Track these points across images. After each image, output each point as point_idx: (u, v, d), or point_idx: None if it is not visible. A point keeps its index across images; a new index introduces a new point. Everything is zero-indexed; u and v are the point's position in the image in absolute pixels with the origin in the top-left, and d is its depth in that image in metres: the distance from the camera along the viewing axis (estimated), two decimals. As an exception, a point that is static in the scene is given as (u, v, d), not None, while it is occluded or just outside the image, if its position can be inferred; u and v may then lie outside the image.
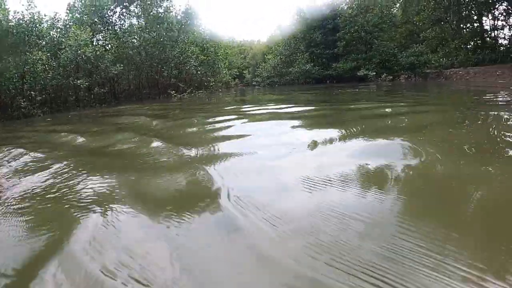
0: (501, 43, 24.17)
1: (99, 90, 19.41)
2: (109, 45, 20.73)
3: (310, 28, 27.24)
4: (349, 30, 24.87)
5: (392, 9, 27.13)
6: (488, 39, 24.89)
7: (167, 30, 21.21)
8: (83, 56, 17.77)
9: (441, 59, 23.61)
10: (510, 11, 23.99)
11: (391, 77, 22.08)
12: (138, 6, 22.51)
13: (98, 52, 18.95)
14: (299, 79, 26.43)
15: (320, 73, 25.67)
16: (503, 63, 22.18)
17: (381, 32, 25.39)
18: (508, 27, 24.28)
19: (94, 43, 19.95)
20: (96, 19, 20.87)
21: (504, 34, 24.88)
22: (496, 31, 25.20)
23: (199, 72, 21.38)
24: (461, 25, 24.61)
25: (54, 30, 19.06)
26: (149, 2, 22.18)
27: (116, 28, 21.71)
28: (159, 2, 22.66)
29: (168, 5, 23.13)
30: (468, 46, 23.81)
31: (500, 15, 24.57)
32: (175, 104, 14.54)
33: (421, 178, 2.44)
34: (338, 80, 24.33)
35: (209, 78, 22.96)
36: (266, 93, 19.97)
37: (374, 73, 22.64)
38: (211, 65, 25.39)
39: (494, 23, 25.16)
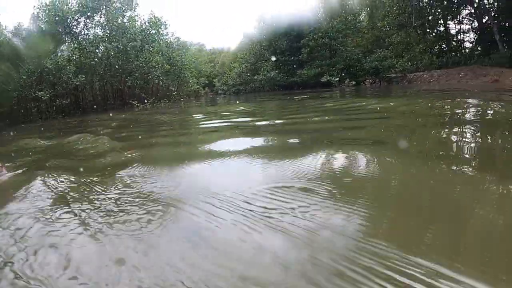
0: (466, 46, 24.43)
1: (61, 101, 19.48)
2: (73, 56, 20.53)
3: (275, 35, 27.24)
4: (313, 36, 24.83)
5: (359, 16, 27.47)
6: (453, 42, 25.12)
7: (130, 40, 21.03)
8: (44, 67, 17.90)
9: (406, 63, 23.82)
10: (474, 15, 24.27)
11: (354, 82, 22.17)
12: (102, 16, 22.16)
13: (59, 63, 19.10)
14: (264, 87, 26.34)
15: (285, 80, 25.56)
16: (466, 65, 22.35)
17: (345, 38, 25.48)
18: (474, 31, 24.56)
19: (58, 54, 20.07)
20: (60, 29, 20.77)
21: (470, 38, 25.18)
22: (461, 35, 25.49)
23: (161, 82, 21.40)
24: (427, 30, 24.90)
25: (16, 40, 19.19)
26: (115, 12, 21.91)
27: (80, 39, 21.61)
28: (122, 12, 22.43)
29: (132, 15, 23.13)
30: (433, 50, 23.98)
31: (463, 19, 24.89)
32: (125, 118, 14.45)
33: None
34: (304, 86, 24.08)
35: (171, 88, 22.94)
36: (229, 102, 20.00)
37: (337, 79, 22.57)
38: (177, 74, 25.40)
39: (460, 27, 25.47)
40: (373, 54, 23.63)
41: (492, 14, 23.09)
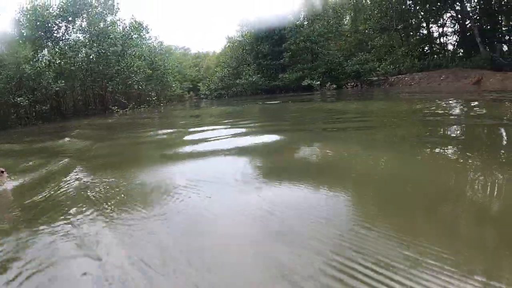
0: (448, 49, 24.44)
1: (40, 107, 19.40)
2: (53, 61, 20.22)
3: (257, 39, 27.13)
4: (294, 40, 24.75)
5: (342, 19, 27.46)
6: (436, 45, 25.15)
7: (111, 44, 20.72)
8: (23, 73, 17.82)
9: (388, 66, 23.77)
10: (455, 19, 24.34)
11: (335, 86, 22.17)
12: (84, 21, 22.09)
13: (39, 69, 19.00)
14: (246, 91, 26.19)
15: (267, 84, 25.46)
16: (448, 68, 22.37)
17: (327, 42, 25.39)
18: (456, 34, 24.63)
19: (38, 59, 19.91)
20: (41, 34, 20.48)
21: (452, 40, 25.25)
22: (444, 38, 25.57)
23: (140, 87, 21.21)
24: (410, 33, 24.96)
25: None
26: (97, 16, 21.83)
27: (61, 43, 21.41)
28: (103, 17, 22.29)
29: (113, 19, 22.97)
30: (415, 53, 23.97)
31: (446, 22, 24.95)
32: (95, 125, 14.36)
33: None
34: (286, 90, 24.07)
35: (150, 93, 23.01)
36: (208, 107, 19.97)
37: (319, 82, 22.50)
38: (160, 78, 25.28)
39: (443, 30, 25.54)
40: (355, 57, 23.61)
41: (473, 17, 23.17)
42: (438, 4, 23.34)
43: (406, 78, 22.81)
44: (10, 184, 3.33)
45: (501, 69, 20.14)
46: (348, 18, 27.90)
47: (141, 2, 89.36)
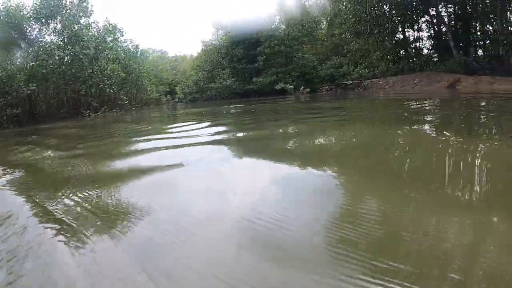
0: (423, 53, 24.43)
1: (11, 111, 19.30)
2: (27, 63, 19.84)
3: (232, 43, 26.80)
4: (269, 44, 24.50)
5: (318, 24, 27.45)
6: (412, 49, 25.15)
7: (83, 47, 20.43)
8: (-6, 76, 17.75)
9: (363, 70, 23.57)
10: (430, 24, 24.41)
11: (308, 89, 22.01)
12: (58, 23, 21.61)
13: (10, 71, 18.94)
14: (221, 95, 25.69)
15: (241, 88, 25.07)
16: (422, 72, 22.41)
17: (301, 46, 25.31)
18: (431, 38, 24.68)
19: (11, 61, 19.85)
20: (15, 35, 20.01)
21: (427, 45, 25.29)
22: (420, 42, 25.62)
23: (112, 91, 21.08)
24: (386, 37, 25.01)
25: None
26: (71, 18, 21.40)
27: (35, 46, 20.87)
28: (77, 19, 21.87)
29: (87, 21, 22.72)
30: (389, 57, 23.96)
31: (421, 27, 25.01)
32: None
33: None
34: (260, 94, 23.69)
35: (122, 97, 22.42)
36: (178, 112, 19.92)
37: (292, 86, 22.30)
38: (135, 82, 24.96)
39: (419, 34, 25.61)
40: (330, 61, 23.63)
41: (447, 21, 23.25)
42: (413, 9, 23.45)
43: (380, 82, 22.79)
44: None
45: (474, 73, 20.17)
46: (325, 22, 27.91)
47: (119, 5, 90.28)
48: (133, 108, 21.64)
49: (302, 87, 21.73)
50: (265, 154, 3.77)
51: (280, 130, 5.96)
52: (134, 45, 27.07)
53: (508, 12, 22.01)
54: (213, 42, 28.75)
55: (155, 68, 30.99)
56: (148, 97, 27.20)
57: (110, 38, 23.74)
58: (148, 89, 26.81)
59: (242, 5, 47.05)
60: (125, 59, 24.56)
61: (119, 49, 24.83)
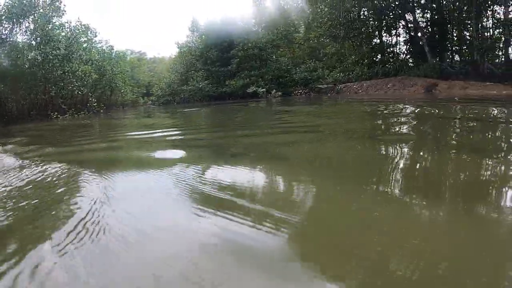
0: (399, 58, 24.18)
1: (-22, 112, 18.82)
2: None
3: (207, 45, 26.36)
4: (242, 47, 24.11)
5: (295, 27, 27.21)
6: (388, 54, 24.90)
7: (54, 48, 19.78)
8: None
9: (338, 74, 23.22)
10: (406, 29, 24.23)
11: (280, 93, 21.63)
12: (31, 23, 20.51)
13: (-24, 72, 18.49)
14: (194, 97, 25.11)
15: (214, 91, 24.58)
16: (396, 76, 22.21)
17: (275, 49, 24.93)
18: (407, 43, 24.47)
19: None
20: None
21: (403, 50, 25.09)
22: (397, 47, 25.41)
23: (80, 92, 20.58)
24: (362, 41, 24.93)
25: None
26: (41, 18, 20.39)
27: (6, 46, 20.84)
28: (49, 19, 21.01)
29: (61, 22, 22.01)
30: (364, 61, 23.71)
31: (399, 32, 24.84)
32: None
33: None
34: (233, 97, 23.29)
35: (90, 99, 21.85)
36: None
37: (264, 89, 21.89)
38: (108, 83, 24.44)
39: (397, 39, 25.43)
40: (304, 65, 23.36)
41: (423, 27, 23.12)
42: (390, 14, 23.28)
43: (354, 86, 22.50)
44: None
45: (448, 78, 20.05)
46: (303, 26, 27.65)
47: (100, 5, 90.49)
48: (101, 111, 21.04)
49: (274, 90, 21.39)
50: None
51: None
52: (109, 46, 26.51)
53: (485, 18, 21.97)
54: (188, 44, 28.34)
55: (132, 69, 30.35)
56: (122, 98, 26.73)
57: (84, 39, 23.25)
58: (122, 90, 26.20)
59: (219, 7, 47.33)
60: (98, 60, 24.00)
61: (93, 50, 24.29)
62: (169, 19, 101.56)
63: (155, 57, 47.71)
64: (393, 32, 24.54)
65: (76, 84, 19.84)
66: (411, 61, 23.32)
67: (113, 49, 26.06)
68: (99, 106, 20.95)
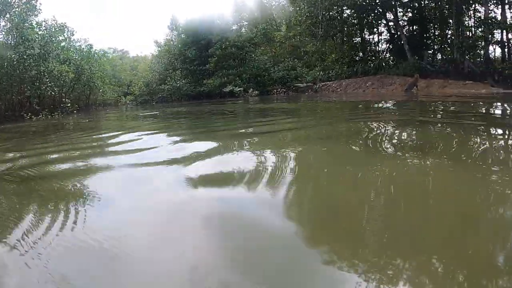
0: (379, 56, 23.96)
1: (-48, 113, 18.58)
2: None
3: (185, 43, 25.98)
4: (220, 46, 23.69)
5: (278, 25, 26.95)
6: (369, 52, 24.68)
7: (28, 47, 19.01)
8: None
9: (318, 73, 22.88)
10: (387, 28, 24.05)
11: (257, 92, 21.33)
12: (8, 22, 20.00)
13: None
14: (171, 97, 24.71)
15: (192, 90, 24.15)
16: (375, 75, 22.06)
17: (254, 47, 24.62)
18: (388, 41, 24.27)
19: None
20: None
21: (383, 48, 24.90)
22: (379, 45, 25.23)
23: (53, 93, 20.18)
24: (343, 40, 24.81)
25: None
26: (16, 17, 20.22)
27: None
28: (23, 17, 20.05)
29: (35, 21, 21.20)
30: (345, 60, 23.46)
31: (379, 30, 24.65)
32: None
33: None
34: (211, 96, 23.02)
35: (63, 99, 21.15)
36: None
37: (241, 88, 21.59)
38: (86, 83, 23.93)
39: (379, 38, 25.25)
40: (282, 63, 23.15)
41: (403, 25, 22.97)
42: (370, 13, 23.08)
43: (334, 85, 22.26)
44: None
45: (428, 76, 19.99)
46: (284, 24, 27.33)
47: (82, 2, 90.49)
48: (75, 111, 20.61)
49: (251, 89, 21.18)
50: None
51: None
52: (88, 44, 25.88)
53: (467, 17, 21.85)
54: (167, 42, 28.09)
55: (113, 68, 29.87)
56: (102, 98, 26.31)
57: (61, 38, 22.63)
58: (101, 90, 25.66)
59: (200, 5, 46.89)
60: (76, 60, 23.55)
61: (71, 49, 23.94)
62: (152, 16, 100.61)
63: (137, 55, 46.87)
64: (374, 30, 24.38)
65: (50, 84, 19.53)
66: (391, 59, 23.16)
67: (92, 48, 25.37)
68: (72, 106, 20.56)
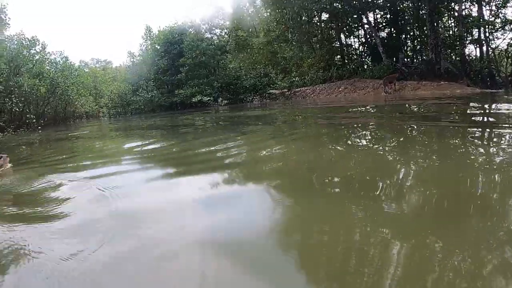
0: (354, 60, 23.65)
1: None
2: None
3: (157, 53, 25.72)
4: (191, 55, 23.42)
5: (258, 32, 26.74)
6: (346, 56, 24.39)
7: None
8: None
9: (293, 79, 22.88)
10: (362, 31, 23.78)
11: (226, 101, 21.26)
12: None
13: None
14: (144, 108, 24.51)
15: (164, 100, 23.99)
16: (349, 79, 21.92)
17: (224, 55, 24.43)
18: (364, 45, 23.98)
19: None
20: None
21: (360, 51, 24.59)
22: (352, 47, 24.94)
23: (18, 109, 20.01)
24: (319, 44, 24.37)
25: None
26: None
27: None
28: None
29: (9, 35, 21.56)
30: (320, 64, 23.26)
31: (356, 34, 24.38)
32: None
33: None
34: (184, 106, 22.96)
35: (28, 116, 20.57)
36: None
37: (210, 98, 21.53)
38: (59, 96, 23.86)
39: (352, 41, 24.97)
40: (254, 71, 23.08)
41: (376, 27, 22.74)
42: (342, 16, 22.90)
43: (307, 90, 22.09)
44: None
45: (402, 78, 19.88)
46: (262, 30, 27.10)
47: (61, 11, 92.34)
48: (39, 127, 20.29)
49: (220, 99, 21.21)
50: None
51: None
52: (63, 57, 25.76)
53: (441, 16, 21.61)
54: (141, 52, 28.15)
55: (94, 79, 29.79)
56: (81, 110, 26.23)
57: (33, 51, 22.73)
58: (76, 103, 25.65)
59: (171, 13, 47.32)
60: (49, 73, 23.50)
61: (46, 62, 23.94)
62: (137, 25, 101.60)
63: (120, 65, 45.98)
64: (349, 34, 24.15)
65: (14, 100, 19.48)
66: (366, 62, 22.96)
67: (67, 60, 25.52)
68: (38, 122, 20.36)
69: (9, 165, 4.25)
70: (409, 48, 22.66)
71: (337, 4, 21.44)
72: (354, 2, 21.40)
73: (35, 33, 47.42)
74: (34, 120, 19.69)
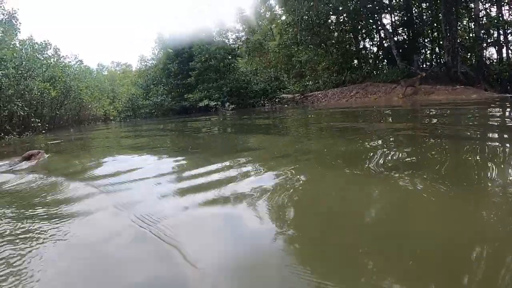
0: (370, 62, 23.37)
1: None
2: None
3: (169, 57, 25.93)
4: (200, 59, 23.63)
5: (275, 35, 26.55)
6: (361, 60, 24.12)
7: (1, 68, 17.86)
8: None
9: (307, 83, 22.90)
10: (377, 34, 23.50)
11: (233, 106, 21.29)
12: None
13: None
14: (154, 112, 24.61)
15: (173, 105, 24.15)
16: (362, 83, 21.75)
17: (235, 59, 24.48)
18: (379, 48, 23.67)
19: None
20: None
21: (374, 55, 24.24)
22: (367, 51, 24.60)
23: (23, 113, 20.48)
24: (332, 47, 23.99)
25: None
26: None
27: None
28: (3, 37, 19.93)
29: (15, 39, 21.70)
30: (333, 68, 23.09)
31: (372, 37, 24.08)
32: None
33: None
34: (194, 111, 23.02)
35: (32, 119, 20.49)
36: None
37: (217, 103, 21.63)
38: (73, 99, 24.38)
39: (369, 44, 24.67)
40: (264, 75, 23.09)
41: (391, 30, 22.47)
42: (357, 19, 22.73)
43: (319, 95, 21.98)
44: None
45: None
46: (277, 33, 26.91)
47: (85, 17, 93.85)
48: (43, 131, 20.69)
49: (228, 103, 21.36)
50: None
51: None
52: (78, 61, 26.34)
53: (459, 22, 21.14)
54: (152, 57, 28.53)
55: (112, 83, 30.23)
56: (97, 113, 26.48)
57: (46, 55, 23.01)
58: (90, 106, 25.93)
59: (183, 17, 47.28)
60: (61, 77, 23.57)
61: (60, 66, 24.18)
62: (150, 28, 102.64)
63: (140, 68, 46.91)
64: (364, 37, 23.97)
65: (20, 104, 19.95)
66: (380, 66, 22.72)
67: (82, 63, 26.26)
68: (43, 126, 20.82)
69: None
70: (426, 51, 22.27)
71: (350, 4, 21.26)
72: (368, 4, 21.24)
73: (46, 33, 48.91)
74: (39, 124, 20.14)
